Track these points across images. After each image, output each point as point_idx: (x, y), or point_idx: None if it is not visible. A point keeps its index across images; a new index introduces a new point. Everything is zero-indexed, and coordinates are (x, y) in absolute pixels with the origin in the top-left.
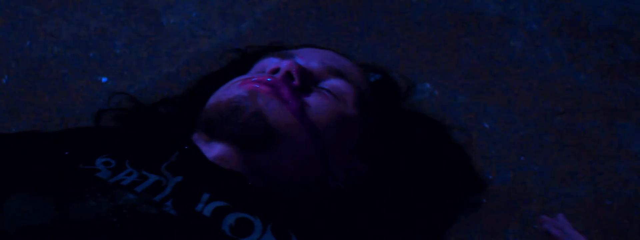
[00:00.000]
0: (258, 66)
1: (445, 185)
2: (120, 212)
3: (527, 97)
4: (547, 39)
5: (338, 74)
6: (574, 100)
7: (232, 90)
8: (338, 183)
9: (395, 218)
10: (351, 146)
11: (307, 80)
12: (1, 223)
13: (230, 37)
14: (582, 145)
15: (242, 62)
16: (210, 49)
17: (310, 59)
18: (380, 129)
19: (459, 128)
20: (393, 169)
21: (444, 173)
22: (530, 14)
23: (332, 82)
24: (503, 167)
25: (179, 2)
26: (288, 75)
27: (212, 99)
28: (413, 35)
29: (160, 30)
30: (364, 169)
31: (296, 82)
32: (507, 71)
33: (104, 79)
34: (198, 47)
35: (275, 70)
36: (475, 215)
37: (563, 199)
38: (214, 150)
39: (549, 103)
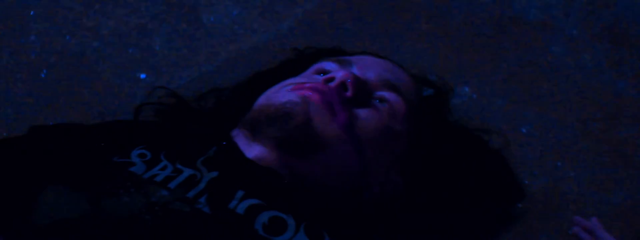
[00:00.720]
0: (314, 69)
1: (481, 206)
2: (153, 209)
3: (566, 103)
4: (587, 45)
5: (393, 88)
6: (613, 106)
7: (284, 94)
8: (373, 195)
9: (429, 230)
10: (392, 160)
11: (361, 92)
12: (35, 216)
13: (270, 36)
14: (619, 152)
15: (296, 62)
16: (250, 47)
17: (367, 69)
18: (423, 145)
19: (496, 132)
20: (429, 185)
21: (482, 194)
22: (571, 20)
23: (386, 96)
24: (539, 173)
25: (219, 0)
26: (342, 85)
27: (263, 100)
28: (452, 39)
29: (200, 28)
30: (400, 183)
31: (349, 93)
32: (546, 76)
33: (142, 76)
34: (237, 45)
35: (330, 79)
36: (509, 221)
37: (599, 206)
38: (254, 150)
39: (587, 109)
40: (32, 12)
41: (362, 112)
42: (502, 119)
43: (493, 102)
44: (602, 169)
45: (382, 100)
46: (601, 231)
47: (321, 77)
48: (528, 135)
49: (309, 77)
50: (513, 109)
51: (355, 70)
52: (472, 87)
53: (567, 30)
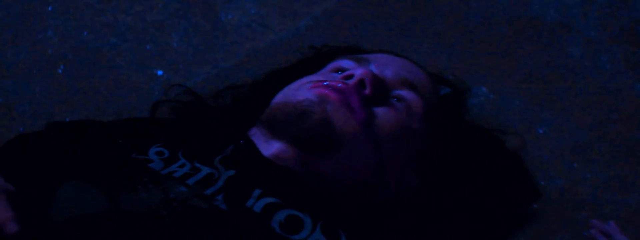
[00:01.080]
0: (331, 66)
1: (497, 207)
2: (171, 205)
3: (583, 104)
4: (604, 46)
5: (410, 86)
6: (629, 108)
7: (302, 92)
8: (389, 193)
9: (444, 229)
10: (408, 158)
11: (379, 90)
12: (53, 211)
13: (288, 35)
14: (636, 154)
15: (313, 60)
16: (267, 45)
17: (385, 67)
18: (439, 144)
19: (512, 133)
20: (445, 184)
21: (498, 194)
22: (589, 21)
23: (403, 94)
24: (555, 174)
25: None
26: (361, 83)
27: (280, 98)
28: (470, 39)
29: (217, 25)
30: (416, 182)
31: (368, 91)
32: (563, 77)
33: (159, 72)
34: (255, 43)
35: (349, 77)
36: (525, 221)
37: (614, 207)
38: (271, 148)
39: (604, 111)
40: (50, 8)
41: (380, 110)
42: (519, 119)
43: (510, 102)
44: (618, 171)
45: (400, 98)
46: (619, 235)
47: (339, 75)
48: (545, 136)
49: (327, 75)
50: (530, 109)
51: (373, 68)
52: (490, 87)
53: (585, 32)
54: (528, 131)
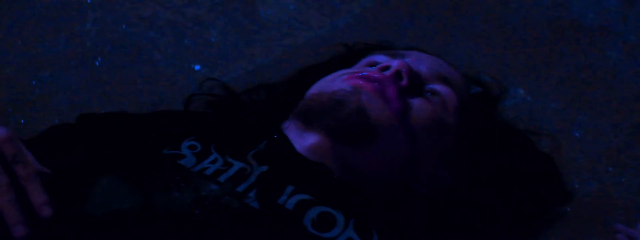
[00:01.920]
0: (365, 61)
1: (528, 203)
2: (203, 204)
3: (620, 108)
4: None
5: (444, 80)
6: None
7: (337, 83)
8: (421, 188)
9: (475, 228)
10: (441, 153)
11: (415, 82)
12: (89, 206)
13: (326, 32)
14: None
15: (346, 57)
16: (306, 42)
17: (420, 62)
18: (471, 141)
19: (548, 135)
20: (476, 181)
21: (529, 191)
22: (629, 25)
23: (438, 88)
24: (590, 177)
25: None
26: (397, 74)
27: (315, 89)
28: (509, 40)
29: (256, 21)
30: (448, 178)
31: (404, 82)
32: (601, 81)
33: (197, 67)
34: (293, 39)
35: (385, 68)
36: (557, 224)
37: None
38: (306, 140)
39: None
40: (89, 0)
41: (416, 103)
42: (554, 122)
43: (546, 104)
44: None
45: (434, 93)
46: None
47: (374, 69)
48: (580, 139)
49: (361, 68)
50: (566, 112)
51: (408, 61)
52: (526, 89)
53: (624, 36)
54: (563, 134)
